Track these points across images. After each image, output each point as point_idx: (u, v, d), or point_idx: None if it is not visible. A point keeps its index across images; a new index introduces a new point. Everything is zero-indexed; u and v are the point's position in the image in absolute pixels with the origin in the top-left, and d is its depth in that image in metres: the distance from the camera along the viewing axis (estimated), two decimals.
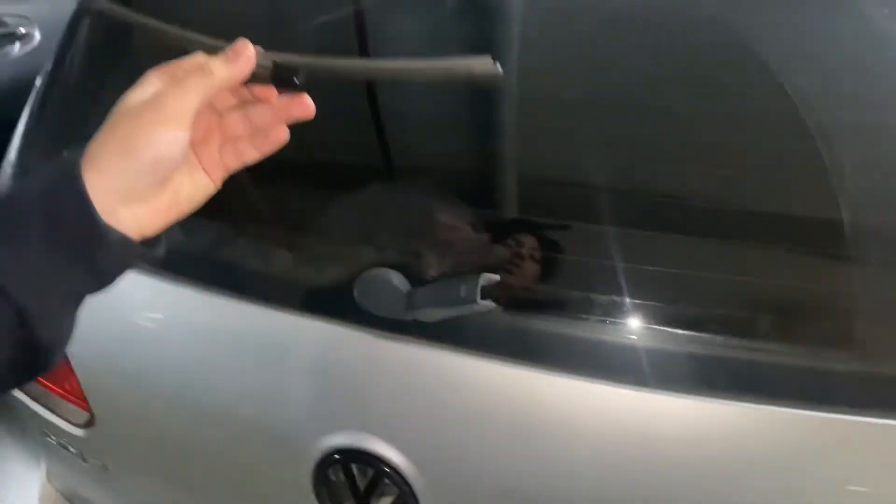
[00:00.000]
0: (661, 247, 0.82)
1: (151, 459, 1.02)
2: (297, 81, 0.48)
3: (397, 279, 0.73)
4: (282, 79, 0.48)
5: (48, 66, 1.17)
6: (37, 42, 2.15)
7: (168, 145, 0.46)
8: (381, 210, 0.87)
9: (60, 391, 1.06)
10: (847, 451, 0.69)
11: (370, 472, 0.79)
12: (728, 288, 0.78)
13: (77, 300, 0.50)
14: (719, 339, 0.73)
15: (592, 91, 0.92)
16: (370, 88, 1.04)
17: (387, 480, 0.79)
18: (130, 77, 0.49)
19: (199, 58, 0.48)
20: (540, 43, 1.00)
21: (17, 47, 2.12)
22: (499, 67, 0.44)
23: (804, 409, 0.69)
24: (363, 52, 1.13)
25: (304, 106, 0.50)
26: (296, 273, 0.87)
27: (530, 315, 0.76)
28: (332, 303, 0.82)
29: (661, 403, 0.72)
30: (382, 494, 0.80)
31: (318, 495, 0.84)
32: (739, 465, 0.71)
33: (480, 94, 0.98)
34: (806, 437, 0.70)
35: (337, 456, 0.81)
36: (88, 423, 1.04)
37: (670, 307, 0.75)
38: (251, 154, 0.52)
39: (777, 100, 0.77)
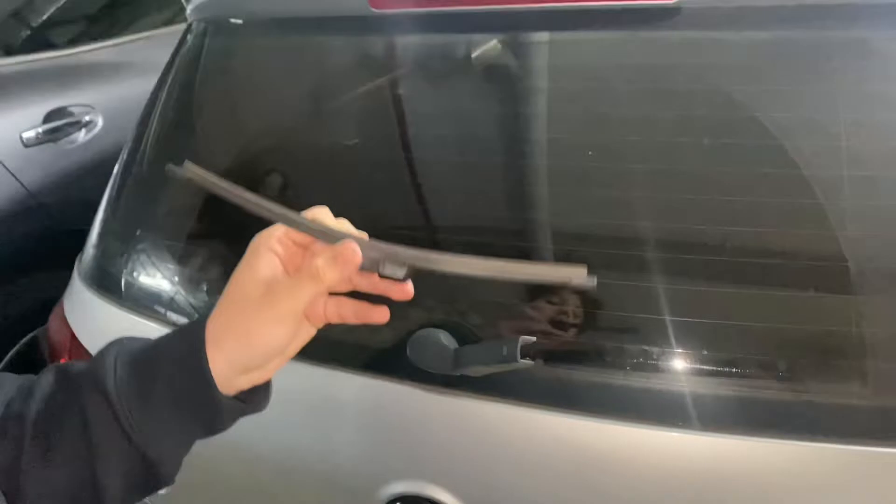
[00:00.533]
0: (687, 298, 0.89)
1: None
2: (400, 277, 0.53)
3: (445, 339, 0.81)
4: (387, 274, 0.53)
5: (127, 145, 1.29)
6: (99, 128, 2.33)
7: (281, 339, 0.54)
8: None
9: None
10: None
11: None
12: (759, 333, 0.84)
13: (190, 445, 0.59)
14: (749, 381, 0.80)
15: (619, 157, 1.00)
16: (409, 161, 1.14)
17: None
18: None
19: (314, 263, 0.54)
20: (564, 113, 1.09)
21: (82, 134, 2.30)
22: (594, 280, 0.48)
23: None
24: (400, 126, 1.23)
25: (404, 293, 0.55)
26: (353, 335, 0.96)
27: (568, 366, 0.83)
28: (387, 362, 0.91)
29: (697, 443, 0.78)
30: None
31: None
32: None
33: (514, 164, 1.07)
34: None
35: (397, 503, 0.88)
36: None
37: (700, 353, 0.82)
38: (351, 318, 0.58)
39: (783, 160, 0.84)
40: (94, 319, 1.17)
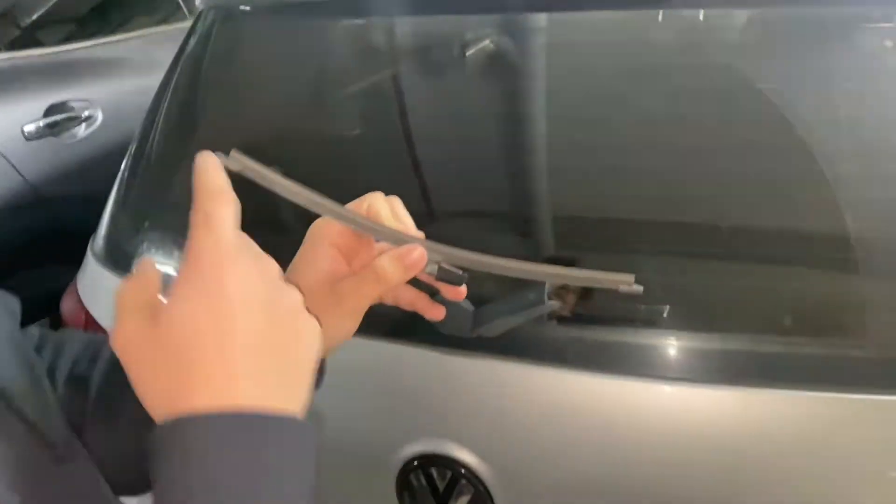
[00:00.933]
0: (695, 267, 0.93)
1: None
2: (458, 283, 0.53)
3: (464, 302, 0.84)
4: (445, 279, 0.53)
5: (139, 128, 1.31)
6: (99, 122, 2.34)
7: (346, 334, 0.53)
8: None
9: None
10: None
11: (448, 474, 0.90)
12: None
13: None
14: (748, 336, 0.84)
15: (618, 134, 1.04)
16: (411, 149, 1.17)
17: (463, 481, 0.89)
18: None
19: (380, 263, 0.51)
20: (564, 94, 1.13)
21: (82, 128, 2.32)
22: (639, 287, 0.50)
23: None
24: (402, 114, 1.26)
25: (457, 294, 0.55)
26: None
27: (580, 326, 0.87)
28: (404, 327, 0.94)
29: (699, 395, 0.82)
30: (460, 494, 0.90)
31: (401, 500, 0.94)
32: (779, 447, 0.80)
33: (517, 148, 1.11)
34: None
35: (416, 462, 0.91)
36: None
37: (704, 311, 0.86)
38: (406, 305, 0.58)
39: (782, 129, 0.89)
40: (110, 295, 1.19)
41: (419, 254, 0.51)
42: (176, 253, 1.18)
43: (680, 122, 1.01)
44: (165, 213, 1.26)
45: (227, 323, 0.38)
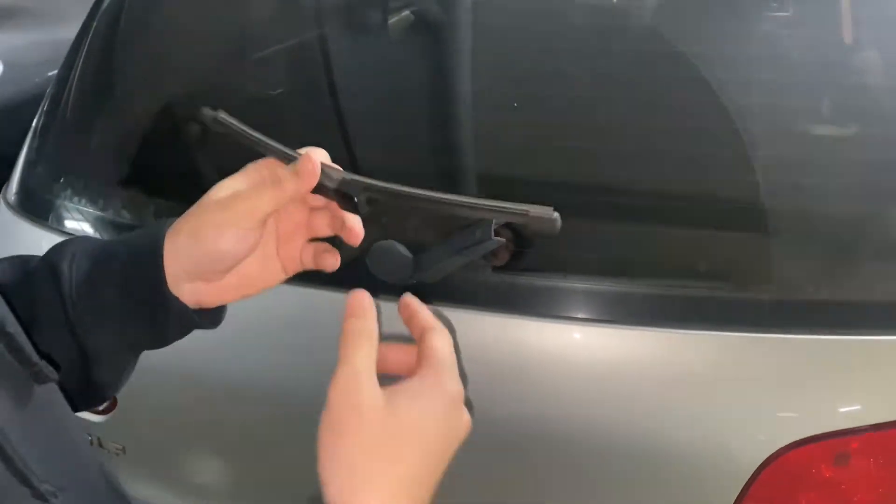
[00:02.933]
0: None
1: (172, 435, 1.13)
2: (355, 202, 0.55)
3: (404, 249, 0.87)
4: (342, 198, 0.55)
5: (55, 81, 1.27)
6: (0, 72, 2.22)
7: (230, 242, 0.52)
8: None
9: None
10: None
11: None
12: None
13: (134, 351, 0.58)
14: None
15: (539, 93, 1.09)
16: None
17: None
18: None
19: (280, 171, 0.54)
20: (490, 53, 1.16)
21: None
22: (557, 218, 0.53)
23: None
24: (328, 76, 1.27)
25: (353, 235, 0.57)
26: None
27: (517, 273, 0.91)
28: (341, 275, 0.96)
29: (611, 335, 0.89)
30: None
31: None
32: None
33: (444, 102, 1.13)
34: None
35: None
36: (109, 409, 1.14)
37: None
38: (326, 263, 0.60)
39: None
40: (23, 242, 1.15)
41: (312, 159, 0.53)
42: (95, 200, 1.15)
43: (599, 82, 1.07)
44: (83, 161, 1.23)
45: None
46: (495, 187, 1.04)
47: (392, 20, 1.30)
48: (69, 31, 1.36)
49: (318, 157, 0.54)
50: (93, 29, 1.28)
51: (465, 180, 1.10)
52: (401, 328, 0.94)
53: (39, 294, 0.53)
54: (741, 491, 0.85)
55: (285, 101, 1.27)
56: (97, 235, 1.13)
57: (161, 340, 0.56)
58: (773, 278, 0.91)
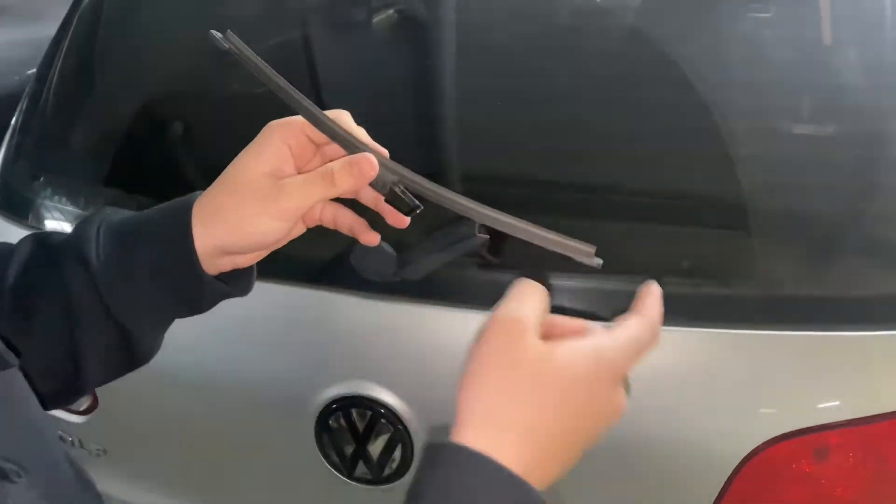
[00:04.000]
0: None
1: (153, 435, 1.12)
2: (403, 210, 0.52)
3: (387, 247, 0.87)
4: (394, 203, 0.52)
5: (35, 78, 1.26)
6: None
7: (277, 234, 0.52)
8: None
9: None
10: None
11: (368, 414, 0.93)
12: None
13: (169, 323, 0.58)
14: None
15: (523, 92, 1.09)
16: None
17: (383, 421, 0.92)
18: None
19: (330, 166, 0.51)
20: (474, 52, 1.16)
21: None
22: (599, 261, 0.51)
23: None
24: (312, 75, 1.26)
25: (400, 221, 0.54)
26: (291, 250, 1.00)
27: (501, 270, 0.92)
28: (326, 273, 0.96)
29: None
30: (379, 434, 0.93)
31: (319, 443, 0.96)
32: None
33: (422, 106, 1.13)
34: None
35: (335, 405, 0.94)
36: (89, 409, 1.13)
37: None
38: (345, 228, 0.57)
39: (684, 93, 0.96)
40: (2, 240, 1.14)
41: (370, 163, 0.50)
42: (75, 198, 1.15)
43: (581, 80, 1.07)
44: (63, 159, 1.23)
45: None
46: (478, 185, 1.05)
47: (376, 18, 1.30)
48: (49, 29, 1.35)
49: (371, 158, 0.51)
50: (72, 27, 1.27)
51: (448, 179, 1.10)
52: (391, 327, 0.95)
53: (72, 285, 0.53)
54: (723, 487, 0.86)
55: (268, 100, 1.27)
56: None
57: (196, 312, 0.57)
58: (753, 275, 0.91)
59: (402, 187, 0.52)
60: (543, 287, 0.49)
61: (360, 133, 0.54)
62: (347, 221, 0.57)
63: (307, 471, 0.99)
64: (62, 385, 0.56)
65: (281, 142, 0.52)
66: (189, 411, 1.06)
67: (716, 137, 0.92)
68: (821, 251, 0.93)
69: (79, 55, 1.29)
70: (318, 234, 0.83)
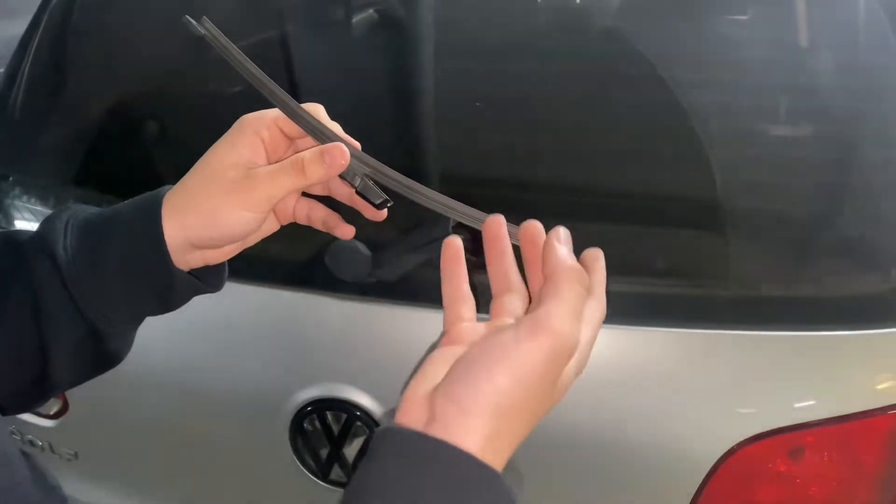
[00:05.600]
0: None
1: (126, 439, 1.10)
2: (375, 202, 0.51)
3: (362, 247, 0.86)
4: (366, 197, 0.51)
5: (3, 79, 1.23)
6: None
7: (248, 225, 0.51)
8: None
9: None
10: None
11: (343, 417, 0.92)
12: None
13: (140, 320, 0.57)
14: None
15: (502, 93, 1.09)
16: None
17: (359, 423, 0.91)
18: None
19: (300, 156, 0.50)
20: (453, 52, 1.16)
21: None
22: None
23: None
24: (290, 74, 1.25)
25: (376, 215, 0.53)
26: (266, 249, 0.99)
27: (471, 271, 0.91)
28: (300, 274, 0.95)
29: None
30: (355, 436, 0.92)
31: (294, 446, 0.95)
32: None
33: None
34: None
35: (310, 407, 0.93)
36: (60, 413, 1.11)
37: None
38: (318, 223, 0.56)
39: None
40: None
41: (341, 152, 0.50)
42: (45, 198, 1.13)
43: (558, 81, 1.07)
44: (32, 159, 1.20)
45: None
46: (456, 187, 1.04)
47: (356, 18, 1.29)
48: (18, 27, 1.32)
49: (343, 147, 0.51)
50: (43, 24, 1.25)
51: (426, 179, 1.09)
52: (366, 328, 0.94)
53: (39, 280, 0.51)
54: (699, 487, 0.86)
55: (245, 100, 1.25)
56: None
57: (167, 308, 0.55)
58: (728, 275, 0.92)
59: (373, 180, 0.52)
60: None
61: (335, 127, 0.54)
62: (321, 216, 0.56)
63: (282, 474, 0.98)
64: (31, 385, 0.54)
65: (254, 134, 0.52)
66: (161, 415, 1.04)
67: (691, 138, 0.92)
68: (796, 251, 0.93)
69: (49, 53, 1.27)
70: (292, 235, 0.82)
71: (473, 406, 0.39)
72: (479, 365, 0.40)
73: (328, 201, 0.56)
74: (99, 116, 1.21)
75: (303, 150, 0.53)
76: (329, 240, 0.90)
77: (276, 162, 0.53)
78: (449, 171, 1.03)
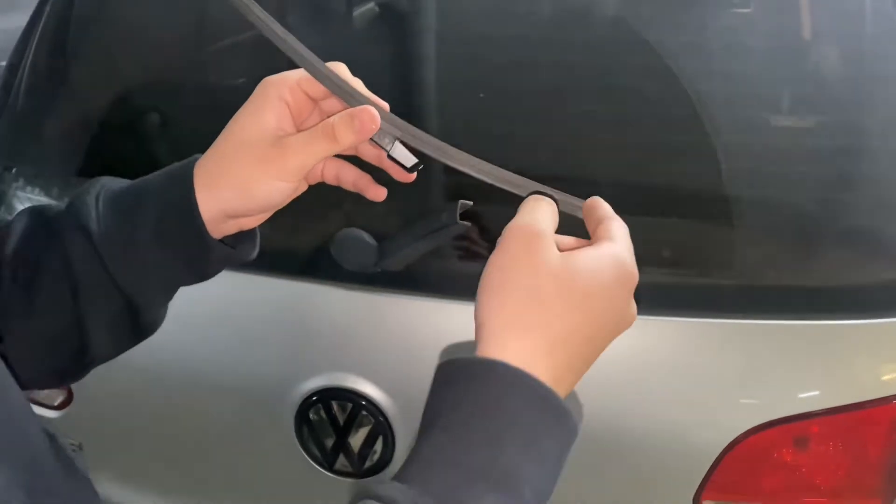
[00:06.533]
0: None
1: (131, 430, 1.10)
2: (407, 165, 0.51)
3: (368, 237, 0.86)
4: (396, 160, 0.51)
5: (6, 67, 1.23)
6: None
7: (284, 194, 0.51)
8: None
9: None
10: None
11: (349, 406, 0.92)
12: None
13: (174, 291, 0.56)
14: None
15: (505, 84, 1.08)
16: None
17: (364, 412, 0.92)
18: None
19: (330, 122, 0.49)
20: (455, 44, 1.15)
21: None
22: None
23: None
24: (291, 67, 1.24)
25: (406, 176, 0.53)
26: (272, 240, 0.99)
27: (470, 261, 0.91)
28: (306, 264, 0.95)
29: None
30: (360, 426, 0.92)
31: (299, 436, 0.95)
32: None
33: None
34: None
35: (315, 397, 0.93)
36: (64, 404, 1.11)
37: None
38: (349, 184, 0.55)
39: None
40: None
41: (370, 116, 0.49)
42: (48, 189, 1.13)
43: (563, 71, 1.07)
44: (36, 150, 1.21)
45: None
46: (459, 177, 1.04)
47: (357, 11, 1.28)
48: (22, 20, 1.32)
49: (372, 110, 0.49)
50: (45, 15, 1.25)
51: (427, 171, 1.09)
52: (371, 318, 0.94)
53: (73, 256, 0.51)
54: (705, 476, 0.86)
55: (247, 92, 1.25)
56: None
57: (202, 278, 0.55)
58: (734, 265, 0.92)
59: (402, 142, 0.51)
60: (553, 202, 0.50)
61: (358, 84, 0.52)
62: (351, 177, 0.55)
63: (287, 464, 0.98)
64: (71, 359, 0.55)
65: (278, 98, 0.51)
66: (166, 405, 1.04)
67: (698, 128, 0.92)
68: (802, 241, 0.93)
69: (51, 45, 1.26)
70: (298, 226, 0.82)
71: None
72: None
73: (356, 162, 0.56)
74: (102, 107, 1.21)
75: (328, 112, 0.53)
76: (334, 230, 0.90)
77: (303, 124, 0.53)
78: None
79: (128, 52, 1.26)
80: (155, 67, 1.23)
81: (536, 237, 0.44)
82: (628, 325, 0.46)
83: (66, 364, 0.54)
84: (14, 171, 1.18)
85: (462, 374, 0.42)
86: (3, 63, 1.30)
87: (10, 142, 1.22)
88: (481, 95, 1.10)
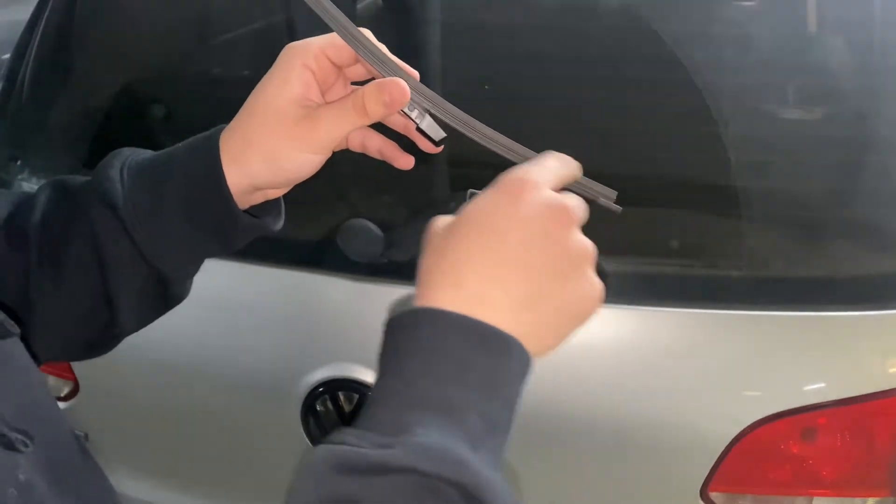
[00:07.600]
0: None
1: (137, 421, 1.10)
2: (435, 139, 0.50)
3: (374, 227, 0.86)
4: (424, 132, 0.50)
5: (10, 59, 1.23)
6: None
7: (313, 167, 0.50)
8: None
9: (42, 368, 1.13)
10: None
11: (355, 397, 0.92)
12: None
13: (201, 262, 0.56)
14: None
15: (510, 75, 1.08)
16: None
17: None
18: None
19: (360, 94, 0.48)
20: (459, 37, 1.15)
21: None
22: (619, 208, 0.51)
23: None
24: None
25: (432, 150, 0.52)
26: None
27: None
28: (312, 254, 0.95)
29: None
30: None
31: (306, 427, 0.96)
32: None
33: None
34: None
35: (322, 388, 0.93)
36: (71, 394, 1.11)
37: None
38: (374, 152, 0.54)
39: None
40: None
41: (400, 89, 0.47)
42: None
43: (569, 63, 1.06)
44: (40, 142, 1.21)
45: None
46: (464, 169, 1.03)
47: (361, 4, 1.28)
48: (25, 13, 1.32)
49: (401, 83, 0.48)
50: (48, 8, 1.24)
51: (433, 161, 1.09)
52: (378, 309, 0.94)
53: (100, 229, 0.51)
54: (712, 468, 0.86)
55: (250, 85, 1.25)
56: None
57: (229, 250, 0.55)
58: (740, 256, 0.91)
59: (430, 114, 0.50)
60: (571, 159, 0.49)
61: (384, 49, 0.51)
62: (377, 145, 0.54)
63: (293, 455, 0.98)
64: (100, 332, 0.55)
65: (303, 67, 0.49)
66: (172, 396, 1.05)
67: (706, 120, 0.92)
68: (808, 232, 0.93)
69: (55, 36, 1.26)
70: (305, 216, 0.81)
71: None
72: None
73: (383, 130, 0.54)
74: (106, 98, 1.21)
75: (352, 79, 0.52)
76: (341, 220, 0.90)
77: (328, 93, 0.52)
78: (457, 154, 1.03)
79: (132, 42, 1.26)
80: (159, 58, 1.23)
81: (507, 184, 0.45)
82: (580, 256, 0.44)
83: (95, 336, 0.55)
84: (19, 162, 1.18)
85: (395, 325, 0.43)
86: (7, 56, 1.30)
87: (15, 133, 1.22)
88: (486, 87, 1.10)
